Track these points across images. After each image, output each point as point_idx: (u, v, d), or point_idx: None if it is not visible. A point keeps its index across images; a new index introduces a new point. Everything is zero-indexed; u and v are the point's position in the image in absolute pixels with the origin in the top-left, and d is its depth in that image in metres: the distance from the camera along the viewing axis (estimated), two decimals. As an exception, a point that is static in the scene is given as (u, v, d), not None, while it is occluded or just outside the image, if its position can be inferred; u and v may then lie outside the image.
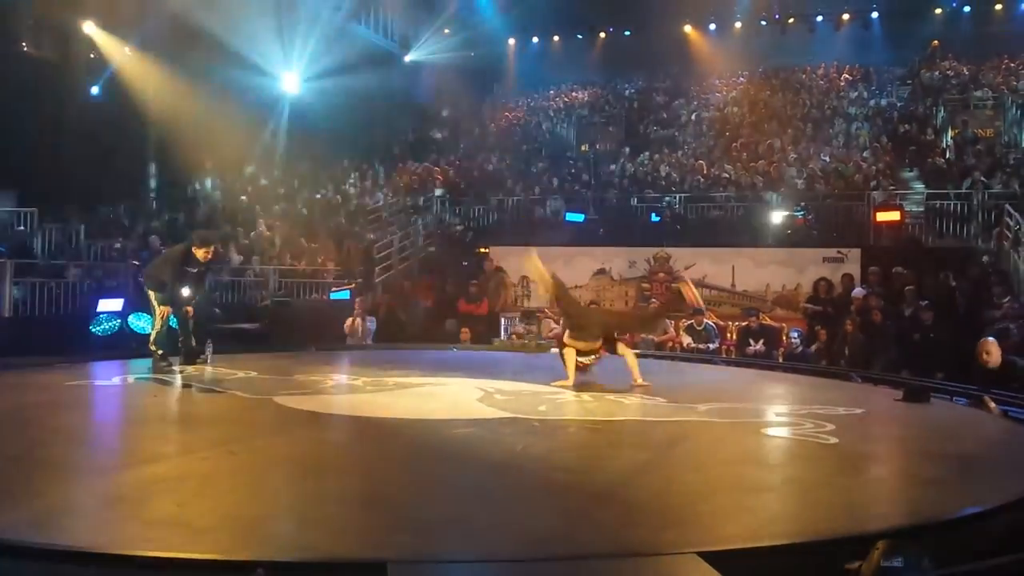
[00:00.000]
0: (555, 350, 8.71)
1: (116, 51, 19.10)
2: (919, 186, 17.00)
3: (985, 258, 13.81)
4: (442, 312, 14.96)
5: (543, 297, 9.47)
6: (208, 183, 20.44)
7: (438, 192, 20.45)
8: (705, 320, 13.04)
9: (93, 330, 11.89)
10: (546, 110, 25.92)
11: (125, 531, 3.57)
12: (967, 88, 20.85)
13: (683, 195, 17.98)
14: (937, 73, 22.16)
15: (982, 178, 15.85)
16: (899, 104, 21.55)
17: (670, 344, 12.88)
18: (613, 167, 20.91)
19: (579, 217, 17.88)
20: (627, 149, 21.89)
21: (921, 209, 16.01)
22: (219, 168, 20.24)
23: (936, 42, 23.47)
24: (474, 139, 24.56)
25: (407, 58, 26.14)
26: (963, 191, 15.81)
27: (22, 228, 14.48)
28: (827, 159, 18.64)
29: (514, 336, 13.70)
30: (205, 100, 17.64)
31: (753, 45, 25.69)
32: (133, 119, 18.93)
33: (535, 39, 27.75)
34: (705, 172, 18.96)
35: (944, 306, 12.09)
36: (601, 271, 15.94)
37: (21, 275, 12.53)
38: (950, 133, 19.10)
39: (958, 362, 10.32)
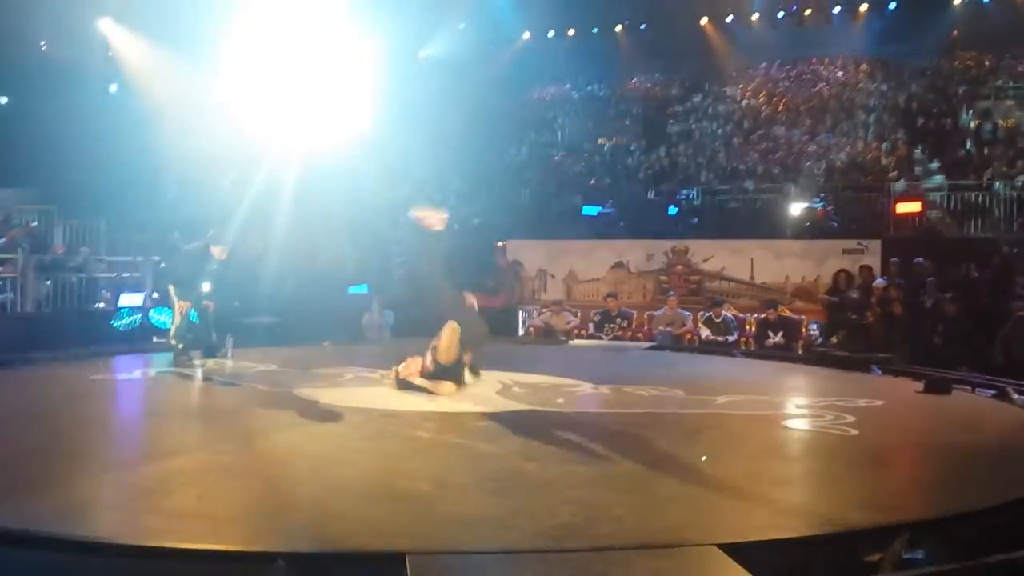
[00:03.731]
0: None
1: (134, 48, 19.18)
2: (940, 177, 16.84)
3: (1006, 248, 13.66)
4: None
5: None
6: (226, 178, 20.50)
7: (455, 186, 20.47)
8: (724, 312, 12.99)
9: (115, 325, 12.00)
10: (562, 104, 25.85)
11: (148, 523, 3.61)
12: (988, 78, 20.63)
13: (701, 187, 17.91)
14: (957, 63, 21.92)
15: (1003, 168, 15.69)
16: (919, 95, 21.32)
17: (688, 337, 12.84)
18: (630, 160, 20.85)
19: (595, 210, 17.85)
20: (644, 142, 21.82)
21: (942, 200, 15.86)
22: (238, 163, 20.31)
23: (956, 32, 23.20)
24: (491, 133, 24.53)
25: (421, 53, 26.11)
26: (984, 182, 15.65)
27: (36, 223, 14.61)
28: (846, 150, 18.50)
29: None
30: (222, 97, 17.69)
31: (770, 37, 25.51)
32: (152, 116, 19.03)
33: (551, 33, 27.66)
34: (723, 164, 18.88)
35: (966, 298, 11.98)
36: (619, 264, 15.90)
37: (43, 271, 12.65)
38: (971, 123, 18.91)
39: (980, 354, 10.25)
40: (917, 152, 18.02)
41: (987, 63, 21.47)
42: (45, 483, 4.10)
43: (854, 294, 12.62)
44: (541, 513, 3.73)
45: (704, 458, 3.93)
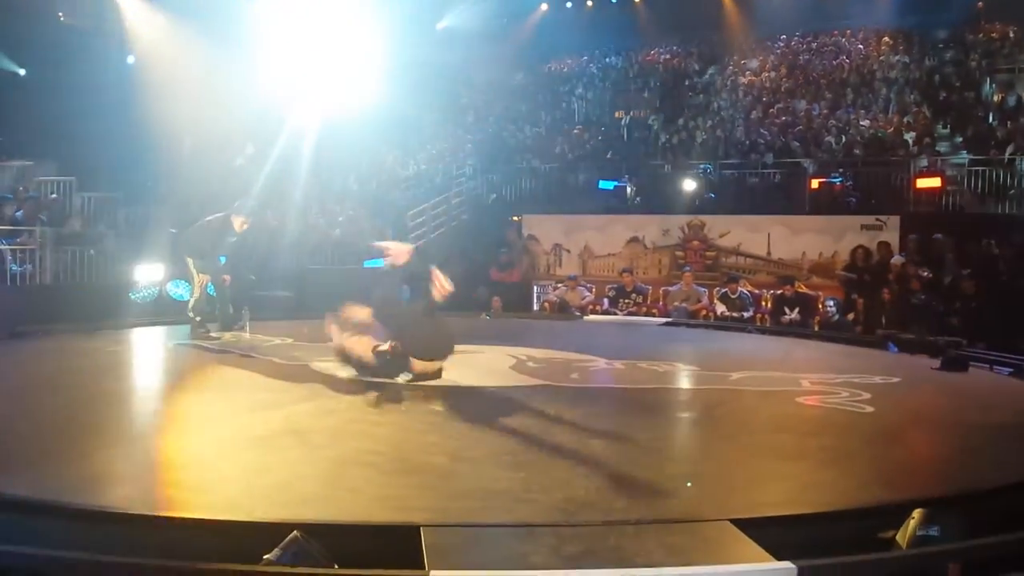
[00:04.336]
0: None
1: (151, 20, 19.14)
2: (962, 152, 16.63)
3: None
4: (473, 280, 14.95)
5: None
6: (245, 151, 20.53)
7: (471, 160, 20.41)
8: (740, 288, 12.93)
9: (132, 297, 12.07)
10: (580, 76, 25.66)
11: (163, 494, 3.65)
12: (1012, 51, 20.29)
13: (718, 162, 17.76)
14: (982, 36, 21.56)
15: (1026, 144, 15.47)
16: (941, 68, 21.00)
17: (704, 313, 12.80)
18: (647, 134, 20.71)
19: (611, 184, 17.76)
20: (662, 115, 21.65)
21: (963, 175, 15.65)
22: (254, 137, 20.31)
23: (981, 3, 22.80)
24: (507, 106, 24.41)
25: (439, 25, 25.93)
26: (1007, 157, 15.44)
27: (54, 196, 14.66)
28: (866, 124, 18.29)
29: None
30: (239, 69, 17.67)
31: (791, 8, 25.14)
32: (170, 88, 19.04)
33: (568, 4, 27.37)
34: (741, 138, 18.71)
35: (986, 274, 11.87)
36: (634, 239, 15.85)
37: (61, 243, 12.72)
38: (994, 96, 18.63)
39: (999, 331, 10.17)
40: (939, 127, 17.81)
41: (1012, 35, 21.10)
42: (63, 454, 4.15)
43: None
44: (555, 487, 3.75)
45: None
